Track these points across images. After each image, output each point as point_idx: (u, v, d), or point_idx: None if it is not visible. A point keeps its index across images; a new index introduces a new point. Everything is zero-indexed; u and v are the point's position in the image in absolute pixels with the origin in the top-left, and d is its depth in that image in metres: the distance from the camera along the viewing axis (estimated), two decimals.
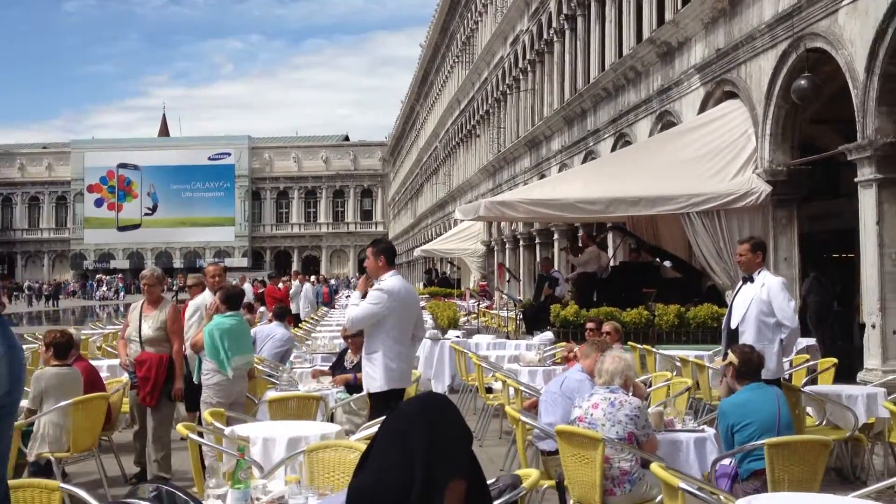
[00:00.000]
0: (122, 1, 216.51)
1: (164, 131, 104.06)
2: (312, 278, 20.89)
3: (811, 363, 9.76)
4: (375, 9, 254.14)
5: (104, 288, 72.68)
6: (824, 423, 7.36)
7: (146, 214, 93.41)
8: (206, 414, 5.86)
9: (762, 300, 6.98)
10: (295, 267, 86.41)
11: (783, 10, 12.75)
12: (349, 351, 12.89)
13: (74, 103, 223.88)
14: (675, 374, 10.71)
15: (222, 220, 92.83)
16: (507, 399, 7.65)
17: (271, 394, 7.28)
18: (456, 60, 46.82)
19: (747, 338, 6.99)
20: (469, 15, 42.70)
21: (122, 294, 71.01)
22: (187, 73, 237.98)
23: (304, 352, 10.17)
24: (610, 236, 18.87)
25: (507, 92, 33.84)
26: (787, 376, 9.63)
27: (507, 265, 32.08)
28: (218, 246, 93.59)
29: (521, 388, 7.17)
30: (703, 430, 5.56)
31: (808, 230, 17.90)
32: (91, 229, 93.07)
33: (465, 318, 19.52)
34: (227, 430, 5.35)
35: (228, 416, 6.22)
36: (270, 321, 11.69)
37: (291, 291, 20.99)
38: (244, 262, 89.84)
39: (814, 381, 9.27)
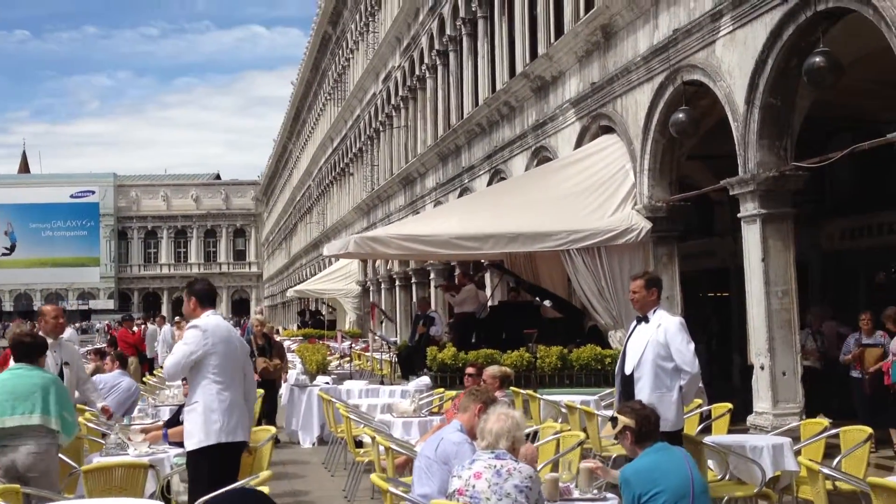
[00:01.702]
0: None
1: (25, 168, 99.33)
2: (177, 319, 19.55)
3: (703, 409, 9.21)
4: (247, 47, 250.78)
5: None
6: (727, 477, 6.77)
7: (3, 254, 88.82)
8: None
9: (659, 342, 6.35)
10: (165, 309, 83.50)
11: (658, 42, 12.49)
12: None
13: None
14: (560, 421, 10.08)
15: (86, 261, 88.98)
16: (377, 457, 6.77)
17: (96, 461, 6.19)
18: (328, 98, 46.05)
19: (643, 384, 6.34)
20: (340, 52, 42.05)
21: None
22: (50, 110, 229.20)
23: (147, 405, 8.96)
24: (488, 275, 18.30)
25: (380, 129, 33.22)
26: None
27: (383, 306, 31.25)
28: (82, 287, 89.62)
29: (392, 445, 6.30)
30: (604, 499, 4.79)
31: (682, 269, 17.78)
32: None
33: (339, 361, 18.51)
34: None
35: (26, 492, 5.16)
36: (109, 369, 10.42)
37: (147, 334, 19.54)
38: (110, 304, 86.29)
39: (707, 429, 8.75)
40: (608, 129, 14.49)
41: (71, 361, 7.17)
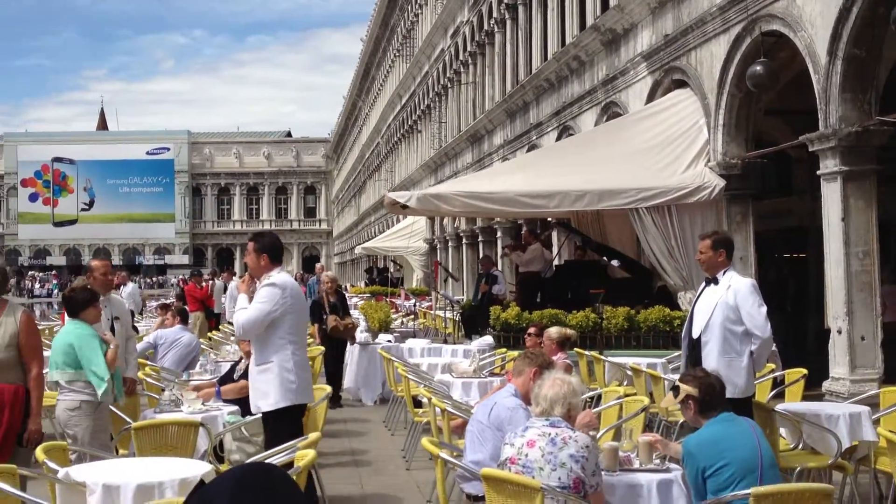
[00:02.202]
0: None
1: (103, 125, 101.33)
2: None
3: (777, 373, 8.82)
4: (319, 4, 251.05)
5: (37, 286, 70.06)
6: (800, 446, 6.43)
7: (83, 210, 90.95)
8: (39, 450, 4.62)
9: (728, 305, 6.01)
10: (238, 265, 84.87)
11: None
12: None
13: (10, 97, 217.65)
14: (625, 384, 9.80)
15: (162, 217, 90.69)
16: (433, 418, 6.59)
17: (149, 417, 6.13)
18: (397, 54, 45.71)
19: (711, 349, 6.02)
20: (409, 7, 41.61)
21: (55, 292, 68.51)
22: (127, 68, 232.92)
23: (207, 360, 8.89)
24: (555, 234, 17.95)
25: (448, 85, 32.84)
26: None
27: (449, 264, 31.11)
28: (158, 243, 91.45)
29: (448, 407, 6.09)
30: (667, 470, 4.52)
31: (757, 229, 17.18)
32: (26, 224, 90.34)
33: (403, 319, 18.41)
34: (62, 473, 4.19)
35: (75, 451, 5.10)
36: (169, 324, 10.39)
37: (214, 289, 19.66)
38: (185, 260, 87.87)
39: (780, 396, 8.38)
40: (681, 84, 13.96)
41: (121, 317, 7.11)
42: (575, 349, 10.97)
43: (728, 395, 5.91)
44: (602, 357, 10.06)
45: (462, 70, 30.39)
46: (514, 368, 5.17)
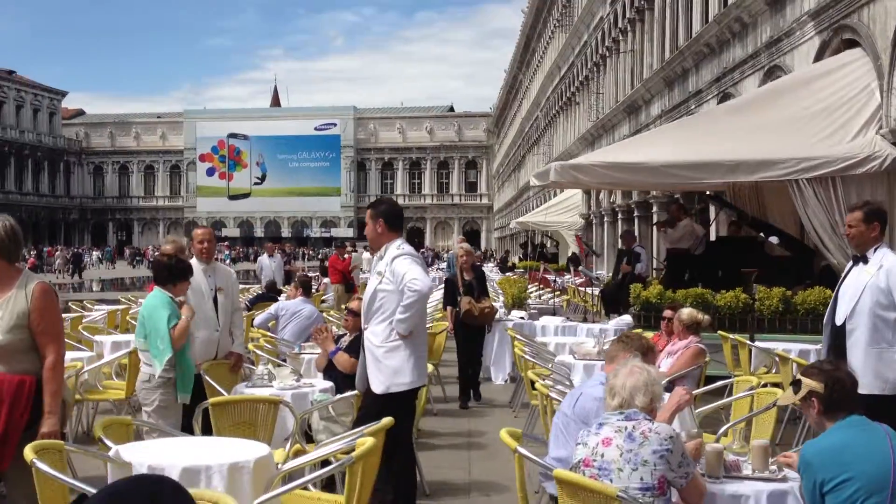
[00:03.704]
0: None
1: (276, 103, 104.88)
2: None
3: None
4: None
5: None
6: None
7: (255, 184, 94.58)
8: (98, 426, 4.36)
9: (879, 288, 5.17)
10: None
11: None
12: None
13: (194, 76, 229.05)
14: (774, 371, 8.95)
15: (328, 191, 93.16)
16: (541, 403, 6.05)
17: (239, 392, 5.89)
18: (557, 25, 44.75)
19: (858, 337, 5.21)
20: None
21: (227, 262, 71.57)
22: (301, 46, 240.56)
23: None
24: (712, 208, 16.89)
25: (607, 55, 31.77)
26: None
27: (605, 240, 30.21)
28: (324, 216, 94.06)
29: (551, 393, 5.52)
30: (783, 479, 3.81)
31: None
32: (203, 198, 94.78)
33: (549, 295, 17.80)
34: (113, 451, 3.93)
35: (144, 425, 4.88)
36: (292, 296, 10.26)
37: (353, 261, 19.66)
38: (349, 233, 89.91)
39: None
40: (852, 44, 12.70)
41: (226, 287, 6.87)
42: (719, 332, 10.17)
43: (878, 390, 5.14)
44: (746, 341, 9.19)
45: (621, 38, 29.30)
46: (608, 354, 4.57)
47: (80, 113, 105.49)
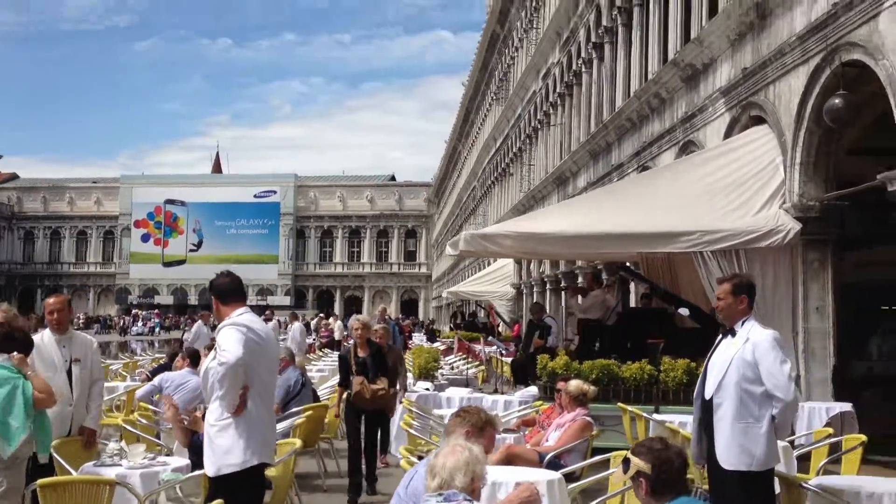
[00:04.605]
0: (189, 42, 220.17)
1: (217, 169, 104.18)
2: (307, 316, 19.11)
3: (835, 439, 7.70)
4: (433, 51, 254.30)
5: (139, 324, 71.89)
6: None
7: (191, 250, 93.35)
8: None
9: (745, 361, 5.07)
10: (337, 308, 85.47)
11: (816, 19, 10.96)
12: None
13: (137, 141, 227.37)
14: None
15: (266, 258, 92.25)
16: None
17: (89, 471, 5.53)
18: (494, 98, 45.42)
19: (725, 412, 5.09)
20: (507, 50, 41.35)
21: (157, 330, 70.13)
22: (247, 114, 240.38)
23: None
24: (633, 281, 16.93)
25: (539, 127, 32.23)
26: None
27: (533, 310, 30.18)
28: (261, 283, 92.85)
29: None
30: None
31: (856, 279, 15.78)
32: (137, 264, 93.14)
33: (466, 365, 17.60)
34: None
35: None
36: (179, 367, 9.92)
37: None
38: (286, 301, 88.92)
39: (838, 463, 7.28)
40: (760, 120, 12.96)
41: (83, 357, 6.54)
42: (618, 404, 10.06)
43: (744, 466, 5.01)
44: (644, 414, 9.08)
45: (551, 111, 29.77)
46: (446, 429, 4.38)
47: (14, 177, 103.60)
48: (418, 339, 39.40)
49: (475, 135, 55.55)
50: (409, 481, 4.05)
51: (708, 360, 5.40)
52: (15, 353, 5.45)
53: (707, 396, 5.23)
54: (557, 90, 28.52)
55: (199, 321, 20.74)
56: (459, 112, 62.22)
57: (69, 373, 6.37)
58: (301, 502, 7.99)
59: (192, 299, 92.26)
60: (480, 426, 4.17)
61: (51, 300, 6.63)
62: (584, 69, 24.88)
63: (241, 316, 5.32)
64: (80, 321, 67.24)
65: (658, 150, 17.52)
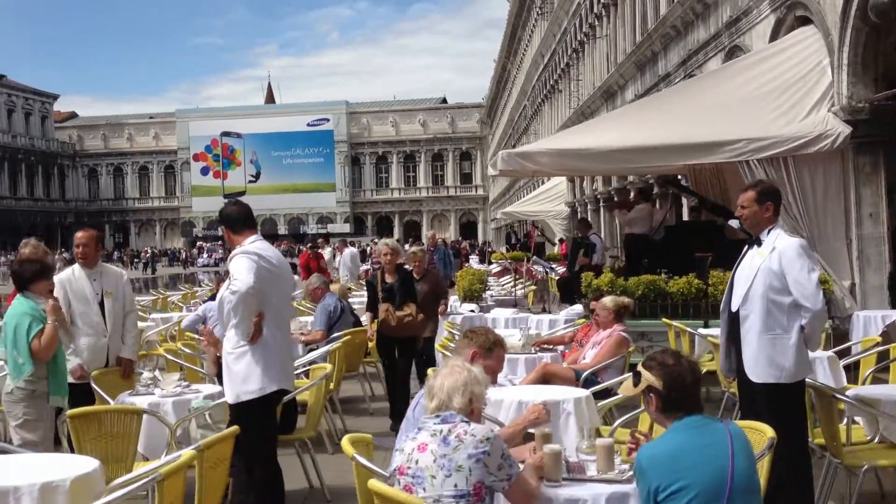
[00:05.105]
0: None
1: (271, 100, 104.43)
2: (362, 243, 19.21)
3: (883, 347, 7.50)
4: None
5: (205, 255, 73.31)
6: (876, 439, 5.31)
7: (250, 182, 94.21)
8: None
9: (772, 271, 4.92)
10: (396, 233, 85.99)
11: None
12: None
13: (189, 75, 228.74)
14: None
15: (323, 186, 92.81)
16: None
17: (122, 401, 5.67)
18: (539, 13, 44.44)
19: (752, 324, 4.97)
20: None
21: (222, 262, 71.43)
22: (295, 43, 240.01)
23: None
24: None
25: (585, 41, 31.52)
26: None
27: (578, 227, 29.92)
28: (320, 212, 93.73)
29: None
30: (628, 481, 3.49)
31: None
32: (198, 197, 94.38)
33: (518, 286, 17.55)
34: None
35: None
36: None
37: (327, 259, 19.42)
38: (346, 228, 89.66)
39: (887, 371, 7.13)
40: (805, 21, 12.45)
41: (115, 290, 6.66)
42: (663, 319, 9.97)
43: (773, 379, 4.92)
44: (689, 329, 8.97)
45: (596, 23, 29.06)
46: (455, 351, 4.35)
47: (73, 116, 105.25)
48: (475, 261, 39.46)
49: (523, 52, 54.63)
50: (416, 404, 4.06)
51: (734, 272, 5.27)
52: (52, 300, 5.59)
53: (734, 309, 5.11)
54: (602, 1, 27.78)
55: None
56: (506, 29, 61.13)
57: (101, 305, 6.49)
58: (345, 425, 8.11)
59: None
60: (488, 346, 4.14)
61: (79, 234, 6.74)
62: None
63: (253, 244, 5.33)
64: (147, 254, 68.65)
65: (704, 57, 17.01)
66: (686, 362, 3.53)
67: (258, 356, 5.12)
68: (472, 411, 3.46)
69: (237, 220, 5.46)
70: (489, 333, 4.38)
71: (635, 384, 3.56)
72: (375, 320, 8.81)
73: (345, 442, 3.75)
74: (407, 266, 9.32)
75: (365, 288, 11.07)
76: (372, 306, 8.94)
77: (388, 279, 8.81)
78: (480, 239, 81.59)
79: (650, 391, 3.51)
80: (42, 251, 6.78)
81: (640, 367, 3.62)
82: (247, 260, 5.15)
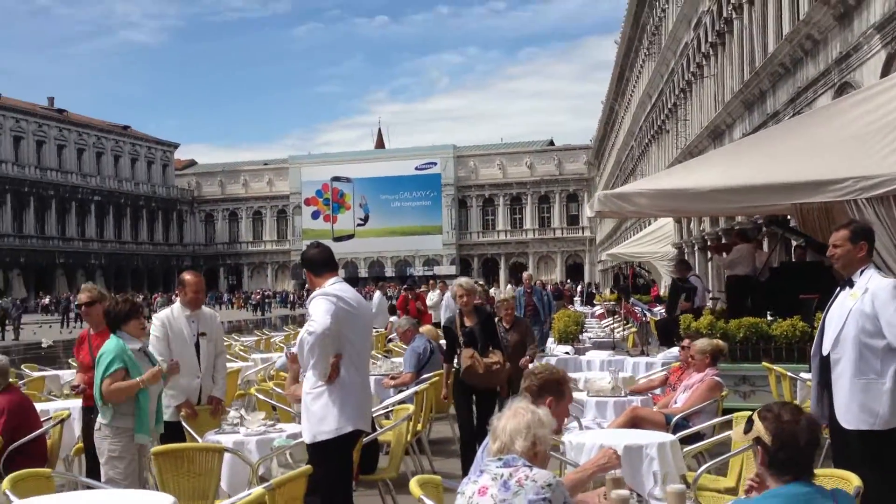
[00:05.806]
0: (346, 23, 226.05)
1: (381, 145, 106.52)
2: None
3: None
4: (589, 12, 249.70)
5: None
6: None
7: (359, 225, 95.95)
8: (8, 478, 4.29)
9: (864, 313, 4.70)
10: (502, 275, 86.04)
11: None
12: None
13: (303, 123, 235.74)
14: None
15: (430, 229, 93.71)
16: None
17: (209, 437, 5.77)
18: (647, 53, 44.16)
19: (844, 368, 4.75)
20: (657, 3, 40.06)
21: None
22: (406, 89, 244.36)
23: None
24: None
25: (692, 80, 31.12)
26: None
27: (696, 268, 29.35)
28: (427, 254, 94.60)
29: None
30: None
31: None
32: (309, 240, 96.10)
33: (613, 328, 17.24)
34: None
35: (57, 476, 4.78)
36: None
37: (431, 302, 19.54)
38: (452, 270, 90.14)
39: None
40: None
41: (209, 331, 6.85)
42: (763, 363, 9.63)
43: (866, 426, 4.68)
44: (788, 373, 8.64)
45: (704, 62, 28.67)
46: (521, 391, 4.26)
47: (192, 163, 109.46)
48: (578, 303, 39.08)
49: (630, 93, 54.30)
50: (484, 446, 4.01)
51: (825, 314, 5.05)
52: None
53: (825, 353, 4.90)
54: (709, 39, 27.42)
55: (378, 292, 21.22)
56: (614, 71, 60.90)
57: (197, 346, 6.67)
58: (433, 467, 8.08)
59: (363, 272, 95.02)
60: (550, 386, 4.04)
61: (190, 278, 6.93)
62: (734, 15, 23.81)
63: (333, 286, 5.39)
64: (258, 296, 70.45)
65: (813, 94, 16.57)
66: (805, 421, 3.26)
67: (335, 396, 5.16)
68: (536, 454, 3.39)
69: (318, 262, 5.55)
70: (552, 371, 4.28)
71: (746, 431, 3.34)
72: (453, 370, 7.96)
73: (413, 483, 3.73)
74: (485, 306, 9.06)
75: None
76: (450, 356, 8.06)
77: (468, 322, 7.95)
78: (587, 280, 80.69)
79: (759, 443, 3.27)
80: (98, 294, 6.98)
81: (755, 415, 3.38)
82: (325, 302, 5.21)
